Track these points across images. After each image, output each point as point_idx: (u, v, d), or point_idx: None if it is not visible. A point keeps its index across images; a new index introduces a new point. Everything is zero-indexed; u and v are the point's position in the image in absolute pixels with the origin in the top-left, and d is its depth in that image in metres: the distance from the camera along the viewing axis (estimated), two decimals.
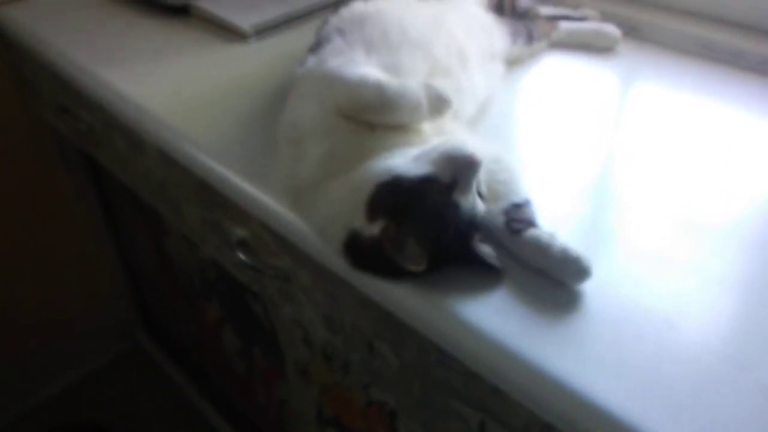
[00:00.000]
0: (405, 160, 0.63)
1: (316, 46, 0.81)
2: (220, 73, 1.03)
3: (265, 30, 1.13)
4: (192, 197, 0.99)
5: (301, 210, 0.72)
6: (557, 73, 1.02)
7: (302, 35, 0.96)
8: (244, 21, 1.12)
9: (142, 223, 1.59)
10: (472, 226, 0.64)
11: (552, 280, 0.64)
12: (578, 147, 0.85)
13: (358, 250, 0.64)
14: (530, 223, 0.66)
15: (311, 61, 0.78)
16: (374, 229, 0.61)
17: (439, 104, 0.68)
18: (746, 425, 0.52)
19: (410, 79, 0.72)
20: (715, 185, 0.78)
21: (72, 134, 1.31)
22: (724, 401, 0.54)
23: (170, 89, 0.99)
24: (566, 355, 0.58)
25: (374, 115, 0.67)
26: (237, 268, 0.98)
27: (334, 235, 0.66)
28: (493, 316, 0.61)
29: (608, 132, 0.88)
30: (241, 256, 0.90)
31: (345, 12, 0.85)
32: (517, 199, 0.69)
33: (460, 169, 0.61)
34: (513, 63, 0.99)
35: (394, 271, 0.62)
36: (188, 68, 1.04)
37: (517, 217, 0.67)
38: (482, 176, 0.68)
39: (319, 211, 0.68)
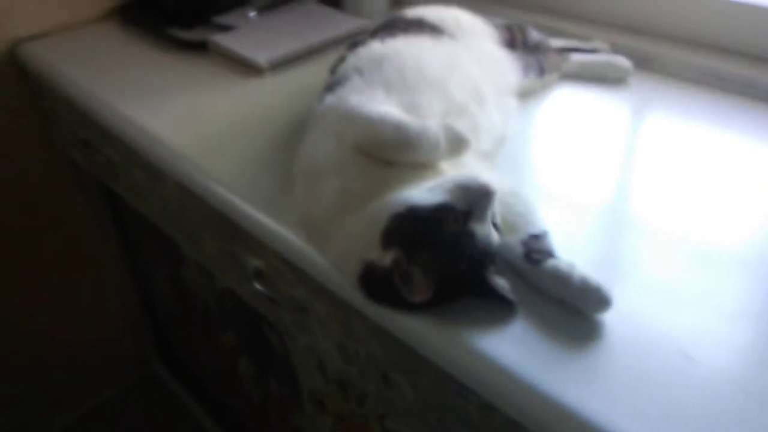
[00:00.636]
0: (420, 191, 0.64)
1: (334, 84, 0.82)
2: (237, 107, 1.05)
3: (281, 64, 1.15)
4: (209, 228, 1.00)
5: (317, 244, 0.73)
6: (569, 104, 1.03)
7: (317, 69, 0.98)
8: (260, 56, 1.15)
9: (159, 253, 1.60)
10: (487, 256, 0.64)
11: (569, 311, 0.64)
12: (592, 178, 0.86)
13: (371, 282, 0.65)
14: (549, 254, 0.67)
15: (329, 99, 0.79)
16: (387, 260, 0.62)
17: (457, 144, 0.69)
18: None
19: (428, 119, 0.73)
20: (728, 215, 0.78)
21: (91, 167, 1.34)
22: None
23: (188, 123, 1.01)
24: (584, 387, 0.58)
25: (393, 154, 0.68)
26: (254, 298, 0.99)
27: (350, 267, 0.67)
28: (510, 348, 0.62)
29: (621, 163, 0.89)
30: (258, 286, 0.91)
31: (363, 51, 0.86)
32: (534, 230, 0.69)
33: (475, 197, 0.62)
34: (525, 96, 1.00)
35: (407, 303, 0.63)
36: (206, 103, 1.07)
37: (536, 248, 0.67)
38: (498, 209, 0.68)
39: (335, 246, 0.69)
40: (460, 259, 0.62)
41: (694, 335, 0.62)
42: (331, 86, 0.82)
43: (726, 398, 0.57)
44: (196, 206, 0.98)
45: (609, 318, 0.63)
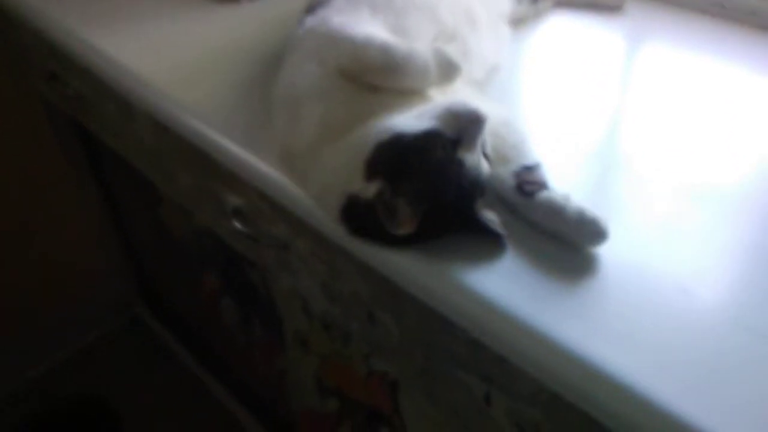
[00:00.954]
0: (406, 117, 0.61)
1: (315, 5, 0.78)
2: (212, 35, 0.99)
3: None
4: (185, 165, 0.96)
5: (298, 177, 0.69)
6: (563, 33, 0.98)
7: None
8: None
9: (137, 193, 1.56)
10: (476, 186, 0.61)
11: (560, 245, 0.61)
12: (586, 110, 0.82)
13: (355, 216, 0.62)
14: (542, 185, 0.63)
15: (310, 21, 0.74)
16: (370, 191, 0.59)
17: (448, 70, 0.66)
18: (764, 395, 0.50)
19: (417, 43, 0.68)
20: (726, 148, 0.75)
21: (61, 102, 1.28)
22: (741, 370, 0.52)
23: (160, 52, 0.96)
24: (576, 322, 0.55)
25: (379, 78, 0.64)
26: (233, 237, 0.95)
27: (332, 201, 0.63)
28: (499, 283, 0.59)
29: (616, 96, 0.85)
30: (237, 224, 0.88)
31: None
32: (527, 161, 0.66)
33: (465, 124, 0.59)
34: (518, 23, 0.95)
35: (392, 237, 0.60)
36: (179, 30, 1.01)
37: (529, 180, 0.64)
38: (490, 139, 0.65)
39: (317, 178, 0.66)
40: (448, 189, 0.59)
41: (690, 270, 0.60)
42: (312, 8, 0.77)
43: (722, 330, 0.55)
44: (170, 142, 0.93)
45: (602, 253, 0.61)
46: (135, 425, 1.73)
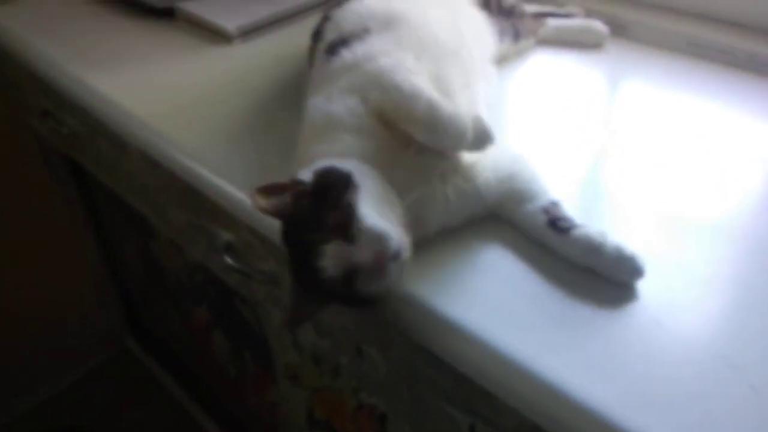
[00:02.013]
0: (374, 200, 0.60)
1: (347, 39, 0.76)
2: (205, 75, 1.02)
3: (251, 31, 1.12)
4: (177, 201, 0.98)
5: None
6: (545, 71, 1.01)
7: (287, 36, 0.95)
8: (229, 23, 1.11)
9: (129, 227, 1.57)
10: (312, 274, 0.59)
11: (549, 279, 0.64)
12: (568, 146, 0.84)
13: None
14: (572, 221, 0.66)
15: (347, 55, 0.74)
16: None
17: (483, 138, 0.66)
18: (738, 422, 0.52)
19: (455, 96, 0.70)
20: (703, 182, 0.78)
21: (55, 139, 1.30)
22: (716, 400, 0.53)
23: (154, 92, 0.98)
24: (555, 356, 0.57)
25: (419, 132, 0.64)
26: (225, 272, 0.97)
27: None
28: (480, 317, 0.61)
29: (598, 130, 0.88)
30: (228, 260, 0.89)
31: (357, 7, 0.82)
32: (551, 197, 0.68)
33: (374, 256, 0.57)
34: (501, 61, 0.98)
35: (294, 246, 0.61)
36: (173, 71, 1.03)
37: (559, 215, 0.66)
38: (504, 183, 0.69)
39: None
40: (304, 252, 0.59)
41: (667, 304, 0.62)
42: (343, 41, 0.76)
43: (697, 363, 0.56)
44: (163, 178, 0.95)
45: (579, 286, 0.63)
46: None
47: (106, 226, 1.70)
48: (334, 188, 0.59)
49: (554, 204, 0.68)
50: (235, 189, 0.80)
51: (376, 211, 0.58)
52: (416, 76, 0.67)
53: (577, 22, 1.07)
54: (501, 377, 0.58)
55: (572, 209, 0.72)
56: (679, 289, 0.64)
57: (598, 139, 0.86)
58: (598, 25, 1.06)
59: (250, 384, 1.42)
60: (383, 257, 0.56)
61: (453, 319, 0.61)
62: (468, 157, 0.70)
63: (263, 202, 0.59)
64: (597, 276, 0.63)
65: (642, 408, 0.52)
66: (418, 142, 0.65)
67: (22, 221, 1.59)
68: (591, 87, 0.98)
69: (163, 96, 0.97)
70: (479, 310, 0.62)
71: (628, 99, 0.95)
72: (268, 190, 0.60)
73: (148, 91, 0.98)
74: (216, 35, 1.12)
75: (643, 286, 0.63)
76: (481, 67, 0.84)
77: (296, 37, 0.88)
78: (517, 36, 1.00)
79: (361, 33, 0.76)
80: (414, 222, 0.63)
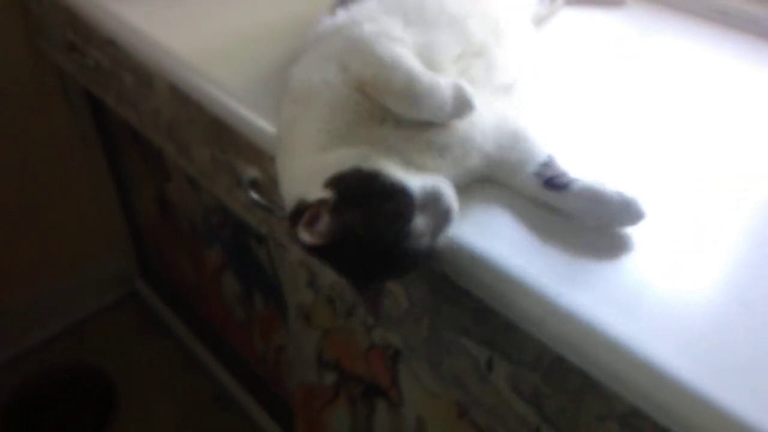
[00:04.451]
0: (397, 168, 0.61)
1: (342, 1, 0.76)
2: (240, 10, 1.02)
3: None
4: (203, 137, 0.99)
5: (280, 167, 0.69)
6: (576, 27, 1.01)
7: None
8: None
9: (145, 169, 1.58)
10: (402, 261, 0.61)
11: (564, 215, 0.65)
12: (599, 106, 0.85)
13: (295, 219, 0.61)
14: (567, 175, 0.66)
15: (341, 17, 0.73)
16: (317, 195, 0.59)
17: (462, 108, 0.65)
18: (756, 361, 0.54)
19: (442, 64, 0.69)
20: (725, 142, 0.79)
21: (79, 72, 1.30)
22: (735, 339, 0.55)
23: (184, 24, 0.98)
24: (580, 289, 0.59)
25: (396, 104, 0.63)
26: (246, 209, 0.98)
27: (290, 203, 0.64)
28: (511, 253, 0.62)
29: (629, 93, 0.88)
30: (254, 195, 0.91)
31: None
32: (540, 158, 0.69)
33: (439, 212, 0.60)
34: (537, 22, 0.98)
35: (321, 252, 0.61)
36: (207, 7, 1.03)
37: (553, 174, 0.67)
38: (496, 149, 0.69)
39: (288, 182, 0.67)
40: (375, 244, 0.59)
41: (692, 250, 0.64)
42: (343, 1, 0.76)
43: (718, 303, 0.59)
44: (189, 112, 0.96)
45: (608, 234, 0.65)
46: (129, 397, 1.75)
47: (122, 168, 1.72)
48: (369, 191, 0.59)
49: (545, 164, 0.68)
50: (264, 121, 0.81)
51: (407, 172, 0.61)
52: (399, 46, 0.66)
53: None
54: (524, 307, 0.60)
55: (587, 161, 0.73)
56: (702, 237, 0.65)
57: (628, 100, 0.87)
58: None
59: (258, 327, 1.44)
60: (450, 203, 0.61)
61: (477, 248, 0.63)
62: (457, 128, 0.68)
63: (311, 238, 0.59)
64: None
65: (662, 338, 0.55)
66: (396, 116, 0.64)
67: (37, 157, 1.60)
68: (621, 42, 0.98)
69: (193, 28, 0.97)
70: (502, 240, 0.64)
71: (653, 56, 0.95)
72: (307, 224, 0.59)
73: (177, 23, 0.98)
74: None
75: (667, 230, 0.65)
76: (513, 31, 0.82)
77: None
78: None
79: None
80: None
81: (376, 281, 0.67)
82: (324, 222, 0.59)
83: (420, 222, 0.59)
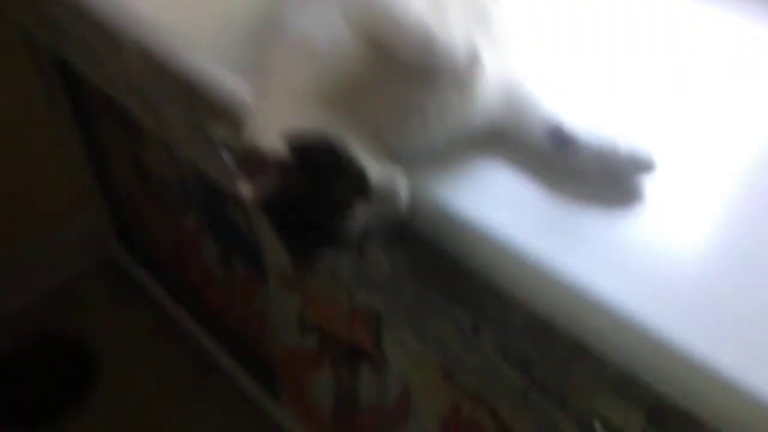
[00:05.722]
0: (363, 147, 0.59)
1: None
2: None
3: None
4: (175, 98, 0.95)
5: (252, 111, 0.67)
6: None
7: None
8: None
9: (119, 132, 1.54)
10: (330, 239, 0.59)
11: (560, 172, 0.63)
12: (590, 58, 0.82)
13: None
14: (578, 136, 0.64)
15: None
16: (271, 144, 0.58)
17: (472, 68, 0.62)
18: (754, 321, 0.53)
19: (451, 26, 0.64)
20: (727, 107, 0.76)
21: (41, 31, 1.24)
22: (732, 298, 0.54)
23: None
24: (570, 251, 0.57)
25: (410, 57, 0.60)
26: (221, 173, 0.95)
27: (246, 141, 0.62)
28: (497, 212, 0.60)
29: (621, 44, 0.85)
30: (227, 157, 0.88)
31: None
32: (553, 119, 0.66)
33: (386, 205, 0.58)
34: None
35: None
36: None
37: (566, 135, 0.64)
38: (504, 107, 0.66)
39: (258, 116, 0.65)
40: (311, 214, 0.58)
41: (683, 210, 0.62)
42: None
43: (713, 263, 0.57)
44: (159, 73, 0.92)
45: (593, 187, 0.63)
46: (109, 366, 1.73)
47: (96, 132, 1.66)
48: (324, 163, 0.57)
49: (557, 127, 0.65)
50: (238, 80, 0.77)
51: (372, 156, 0.58)
52: None
53: None
54: (511, 270, 0.58)
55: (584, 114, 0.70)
56: (695, 200, 0.64)
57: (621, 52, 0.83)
58: None
59: (239, 289, 1.43)
60: (401, 201, 0.58)
61: (460, 210, 0.61)
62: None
63: (249, 191, 0.57)
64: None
65: (652, 300, 0.53)
66: (401, 77, 0.61)
67: (5, 121, 1.54)
68: None
69: None
70: (488, 200, 0.62)
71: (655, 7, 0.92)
72: (248, 171, 0.57)
73: None
74: None
75: (660, 191, 0.63)
76: None
77: None
78: None
79: None
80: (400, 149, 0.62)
81: (303, 248, 0.64)
82: (267, 179, 0.57)
83: (361, 209, 0.58)
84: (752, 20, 0.90)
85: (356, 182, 0.57)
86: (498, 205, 0.61)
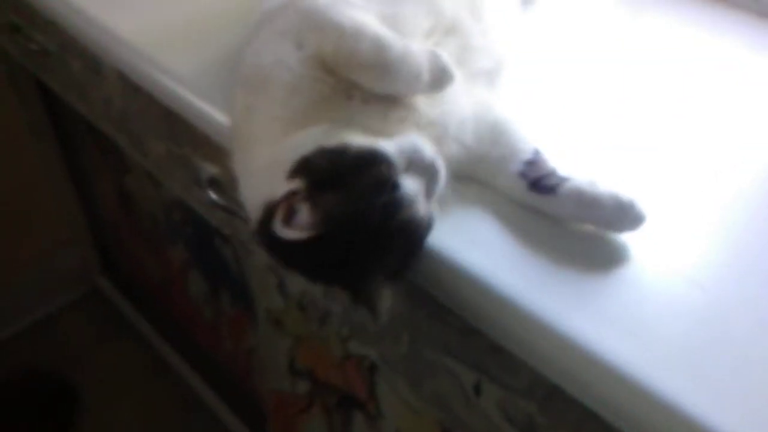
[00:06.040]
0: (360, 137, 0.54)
1: None
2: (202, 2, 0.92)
3: None
4: (158, 130, 0.90)
5: (237, 167, 0.61)
6: (566, 9, 0.93)
7: None
8: None
9: (103, 161, 1.49)
10: (404, 235, 0.53)
11: (562, 229, 0.58)
12: (591, 89, 0.77)
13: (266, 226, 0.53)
14: (554, 174, 0.59)
15: None
16: (283, 189, 0.52)
17: (441, 78, 0.57)
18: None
19: (410, 38, 0.60)
20: (721, 130, 0.72)
21: (23, 57, 1.20)
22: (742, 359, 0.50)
23: (135, 8, 0.89)
24: (578, 311, 0.52)
25: (365, 76, 0.56)
26: (206, 208, 0.90)
27: (253, 207, 0.56)
28: (498, 267, 0.55)
29: (619, 78, 0.81)
30: (213, 195, 0.83)
31: None
32: (526, 154, 0.61)
33: (424, 170, 0.53)
34: (525, 2, 0.90)
35: (305, 263, 0.54)
36: None
37: (540, 174, 0.59)
38: (476, 143, 0.62)
39: (252, 174, 0.59)
40: (368, 219, 0.51)
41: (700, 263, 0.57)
42: None
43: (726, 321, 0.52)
44: (142, 103, 0.87)
45: (598, 241, 0.57)
46: (92, 402, 1.66)
47: (79, 159, 1.61)
48: (337, 165, 0.52)
49: (530, 162, 0.60)
50: (222, 114, 0.72)
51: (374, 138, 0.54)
52: (359, 11, 0.58)
53: None
54: (516, 331, 0.53)
55: (572, 152, 0.65)
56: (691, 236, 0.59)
57: (619, 86, 0.79)
58: None
59: (227, 327, 1.37)
60: (427, 154, 0.54)
61: (464, 265, 0.55)
62: (432, 108, 0.60)
63: (293, 233, 0.51)
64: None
65: (660, 365, 0.48)
66: (364, 91, 0.56)
67: None
68: (609, 24, 0.91)
69: (145, 12, 0.88)
70: (494, 257, 0.56)
71: (646, 37, 0.88)
72: (285, 218, 0.51)
73: (127, 6, 0.89)
74: None
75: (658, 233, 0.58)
76: (488, 7, 0.72)
77: None
78: None
79: None
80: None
81: (373, 277, 0.56)
82: (303, 214, 0.50)
83: (409, 185, 0.52)
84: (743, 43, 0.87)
85: (381, 163, 0.51)
86: (494, 255, 0.56)
